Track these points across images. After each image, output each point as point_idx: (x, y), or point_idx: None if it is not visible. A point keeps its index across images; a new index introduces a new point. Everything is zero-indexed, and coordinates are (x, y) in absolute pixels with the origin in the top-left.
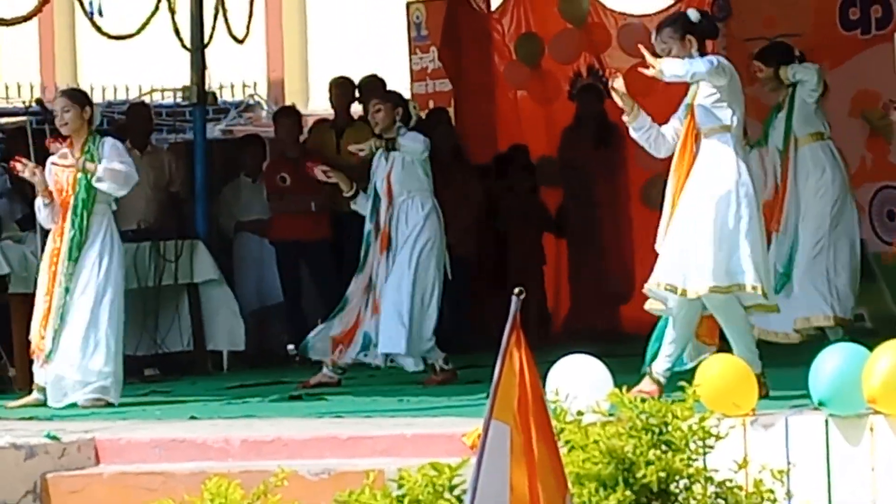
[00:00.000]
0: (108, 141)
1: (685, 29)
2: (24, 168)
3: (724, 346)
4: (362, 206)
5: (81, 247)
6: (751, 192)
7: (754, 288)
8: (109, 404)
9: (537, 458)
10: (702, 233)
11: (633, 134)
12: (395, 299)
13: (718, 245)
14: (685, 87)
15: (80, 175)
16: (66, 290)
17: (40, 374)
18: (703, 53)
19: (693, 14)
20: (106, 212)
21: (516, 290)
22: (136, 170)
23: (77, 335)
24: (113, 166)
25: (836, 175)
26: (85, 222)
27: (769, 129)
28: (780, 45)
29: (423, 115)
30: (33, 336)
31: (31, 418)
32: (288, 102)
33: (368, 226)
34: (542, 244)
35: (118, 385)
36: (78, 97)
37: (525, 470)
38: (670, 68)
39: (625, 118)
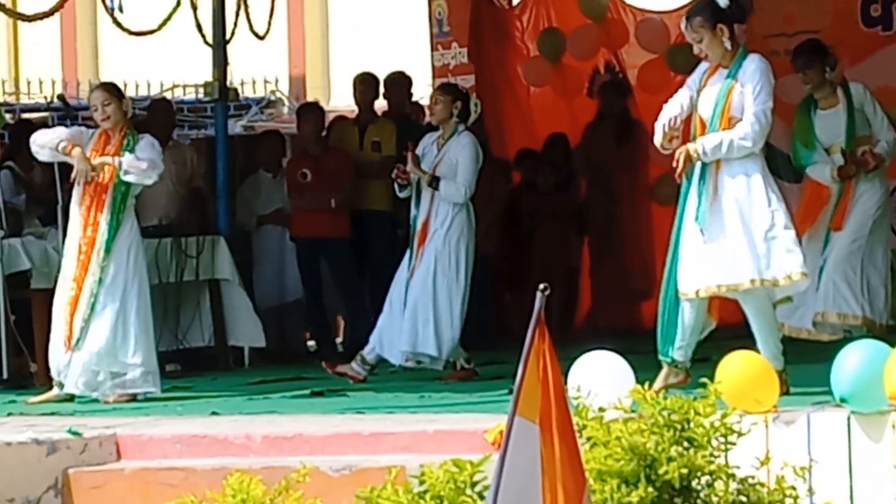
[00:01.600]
0: (147, 137)
1: (716, 17)
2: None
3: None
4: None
5: (115, 239)
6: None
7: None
8: (134, 398)
9: (558, 456)
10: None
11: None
12: (420, 296)
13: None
14: None
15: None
16: (100, 280)
17: (60, 361)
18: (736, 43)
19: (721, 1)
20: (133, 205)
21: (541, 287)
22: (162, 160)
23: (106, 326)
24: (136, 158)
25: (882, 179)
26: (122, 215)
27: (811, 123)
28: (815, 45)
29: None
30: (59, 323)
31: (52, 414)
32: (309, 98)
33: (414, 211)
34: (567, 240)
35: (150, 376)
36: (115, 90)
37: (549, 468)
38: (706, 144)
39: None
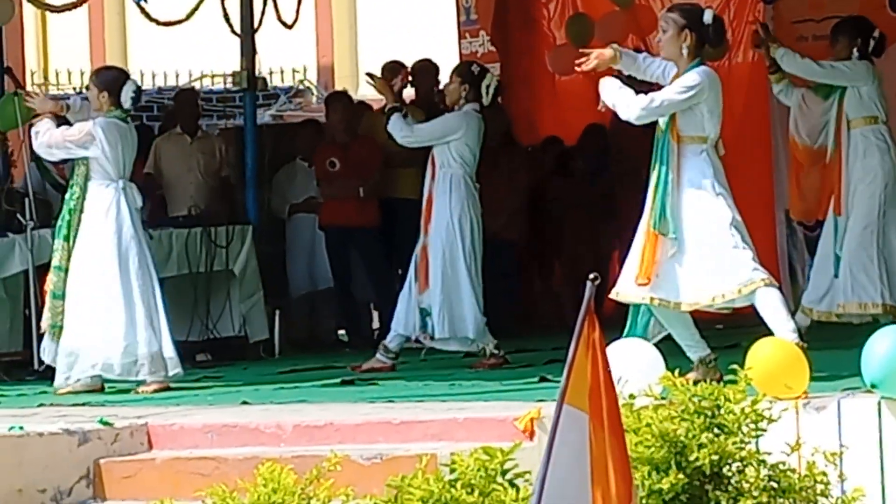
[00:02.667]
0: (88, 122)
1: (689, 22)
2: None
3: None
4: None
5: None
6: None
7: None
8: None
9: (608, 447)
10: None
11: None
12: (434, 281)
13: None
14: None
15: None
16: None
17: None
18: (695, 56)
19: (707, 15)
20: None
21: (591, 276)
22: (122, 160)
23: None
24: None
25: (885, 160)
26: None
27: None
28: (857, 20)
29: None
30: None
31: (84, 404)
32: (338, 87)
33: (426, 192)
34: (596, 228)
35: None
36: (101, 79)
37: (599, 459)
38: (628, 112)
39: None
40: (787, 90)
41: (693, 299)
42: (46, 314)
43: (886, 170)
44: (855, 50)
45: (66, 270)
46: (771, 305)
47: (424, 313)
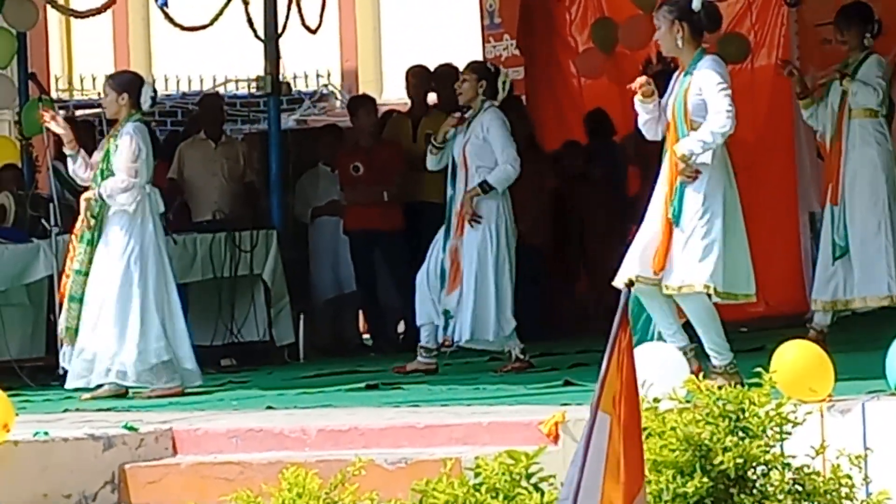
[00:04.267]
0: (125, 137)
1: (680, 14)
2: (51, 119)
3: None
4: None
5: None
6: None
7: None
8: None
9: (621, 450)
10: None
11: (641, 115)
12: (469, 283)
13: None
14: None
15: (100, 160)
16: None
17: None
18: (694, 45)
19: (695, 3)
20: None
21: (626, 281)
22: (147, 165)
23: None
24: (109, 184)
25: (882, 152)
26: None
27: (831, 88)
28: (861, 7)
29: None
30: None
31: (108, 409)
32: (362, 92)
33: (450, 191)
34: (619, 231)
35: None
36: (117, 83)
37: (612, 460)
38: (690, 147)
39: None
40: (815, 112)
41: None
42: (63, 317)
43: (885, 161)
44: (867, 36)
45: (87, 274)
46: (695, 313)
47: (448, 315)
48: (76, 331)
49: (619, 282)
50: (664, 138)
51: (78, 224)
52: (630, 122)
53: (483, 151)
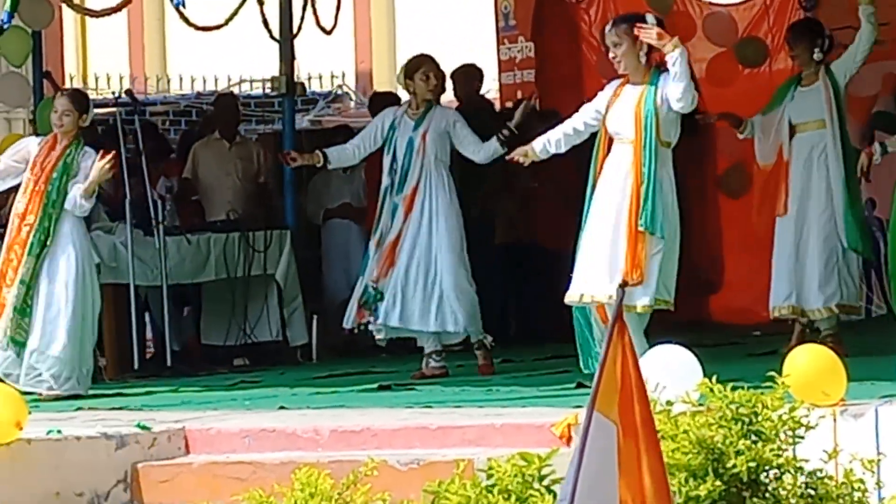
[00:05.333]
0: (90, 154)
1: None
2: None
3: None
4: (336, 162)
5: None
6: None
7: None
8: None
9: (644, 459)
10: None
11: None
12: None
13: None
14: (766, 76)
15: (55, 175)
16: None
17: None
18: (649, 57)
19: (650, 18)
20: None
21: (619, 283)
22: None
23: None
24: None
25: (833, 163)
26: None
27: (784, 99)
28: (808, 22)
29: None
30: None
31: (121, 408)
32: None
33: (387, 181)
34: None
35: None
36: (79, 102)
37: (629, 470)
38: (682, 66)
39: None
40: (751, 124)
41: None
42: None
43: (833, 173)
44: (816, 51)
45: (31, 285)
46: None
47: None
48: (24, 343)
49: (571, 300)
50: (595, 149)
51: (24, 236)
52: None
53: (440, 141)
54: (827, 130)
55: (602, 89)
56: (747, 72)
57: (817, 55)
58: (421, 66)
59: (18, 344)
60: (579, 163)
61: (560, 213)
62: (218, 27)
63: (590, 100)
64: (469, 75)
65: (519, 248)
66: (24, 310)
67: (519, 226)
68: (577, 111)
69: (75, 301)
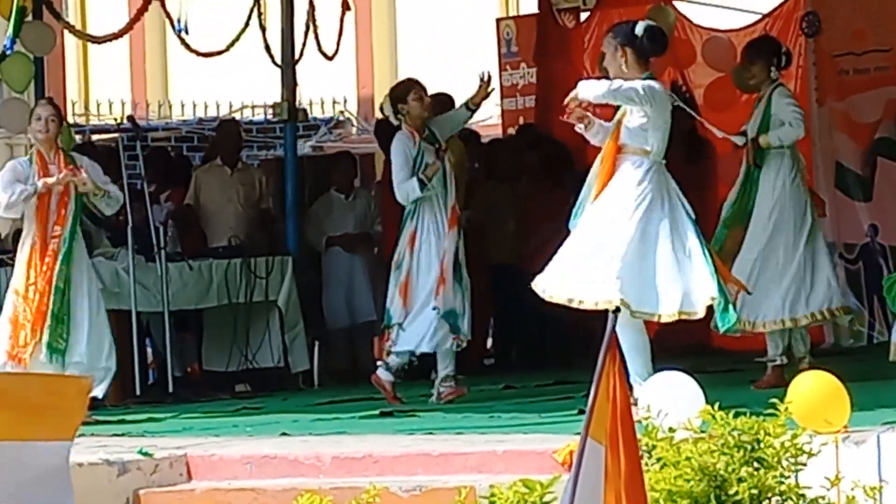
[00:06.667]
0: (87, 160)
1: (624, 39)
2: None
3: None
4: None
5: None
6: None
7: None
8: None
9: (623, 477)
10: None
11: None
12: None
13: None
14: None
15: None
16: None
17: None
18: (641, 70)
19: (639, 27)
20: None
21: (611, 308)
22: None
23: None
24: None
25: (787, 182)
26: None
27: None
28: (769, 41)
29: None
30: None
31: (123, 434)
32: (378, 118)
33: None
34: None
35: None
36: (60, 110)
37: (614, 492)
38: (585, 90)
39: (583, 131)
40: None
41: None
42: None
43: (788, 190)
44: (772, 69)
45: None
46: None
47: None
48: (64, 351)
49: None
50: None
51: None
52: None
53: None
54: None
55: (592, 115)
56: (745, 97)
57: (774, 73)
58: (411, 89)
59: (58, 352)
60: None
61: (561, 236)
62: (220, 53)
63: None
64: (441, 103)
65: (516, 270)
66: (60, 317)
67: (516, 247)
68: (573, 137)
69: (99, 305)
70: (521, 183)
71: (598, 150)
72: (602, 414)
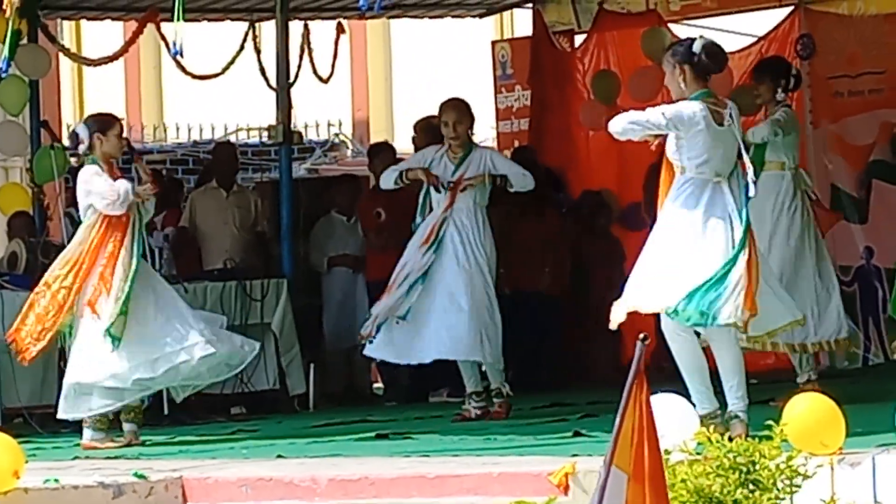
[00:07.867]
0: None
1: (683, 57)
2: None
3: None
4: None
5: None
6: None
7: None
8: None
9: None
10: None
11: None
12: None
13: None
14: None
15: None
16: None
17: None
18: (697, 88)
19: (696, 45)
20: None
21: (641, 336)
22: None
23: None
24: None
25: (786, 202)
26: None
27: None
28: (777, 61)
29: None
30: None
31: (118, 457)
32: (373, 141)
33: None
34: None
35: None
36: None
37: None
38: (611, 126)
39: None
40: None
41: None
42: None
43: (786, 212)
44: (779, 90)
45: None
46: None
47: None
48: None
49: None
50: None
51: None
52: (631, 177)
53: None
54: (786, 170)
55: (587, 138)
56: (742, 119)
57: (780, 95)
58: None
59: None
60: (575, 211)
61: (561, 263)
62: (215, 76)
63: (578, 149)
64: (427, 130)
65: (511, 292)
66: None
67: (516, 273)
68: (567, 160)
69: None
70: (514, 205)
71: (592, 172)
72: (626, 441)
